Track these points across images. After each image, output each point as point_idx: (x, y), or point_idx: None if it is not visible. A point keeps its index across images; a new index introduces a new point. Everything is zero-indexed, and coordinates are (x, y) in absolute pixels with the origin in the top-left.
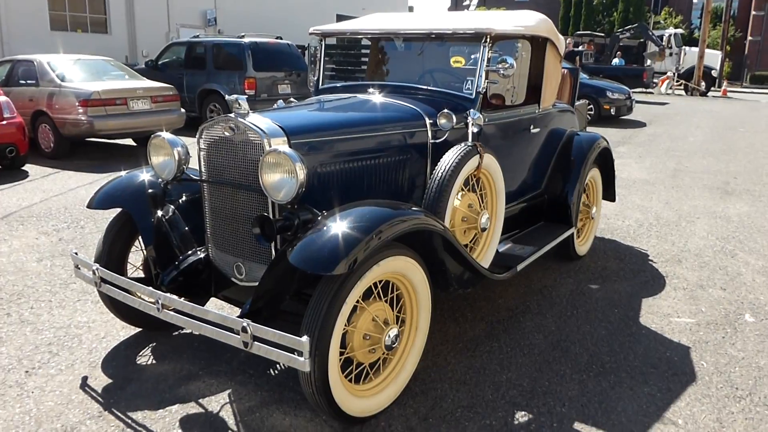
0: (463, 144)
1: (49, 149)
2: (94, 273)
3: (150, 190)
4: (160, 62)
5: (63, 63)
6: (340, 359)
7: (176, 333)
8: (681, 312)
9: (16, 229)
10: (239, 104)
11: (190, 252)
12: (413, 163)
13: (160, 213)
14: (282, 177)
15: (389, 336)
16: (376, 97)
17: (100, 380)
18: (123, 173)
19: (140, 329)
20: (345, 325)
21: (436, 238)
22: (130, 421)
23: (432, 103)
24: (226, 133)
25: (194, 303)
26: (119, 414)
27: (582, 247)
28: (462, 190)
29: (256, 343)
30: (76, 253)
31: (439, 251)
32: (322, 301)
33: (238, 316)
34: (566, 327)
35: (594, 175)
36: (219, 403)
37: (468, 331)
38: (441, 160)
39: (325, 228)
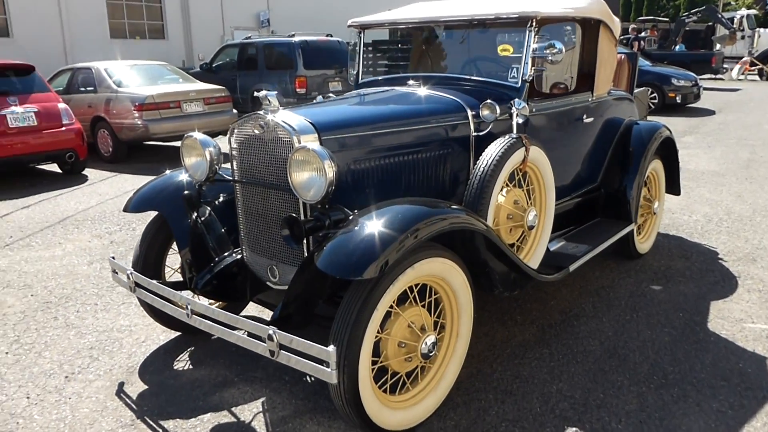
0: (507, 136)
1: (107, 153)
2: (128, 278)
3: (185, 192)
4: (214, 65)
5: (119, 69)
6: (373, 369)
7: (215, 337)
8: (756, 317)
9: (72, 232)
10: (269, 101)
11: (225, 254)
12: (455, 157)
13: (195, 215)
14: (311, 175)
15: (426, 344)
16: (416, 90)
17: (136, 386)
18: (166, 173)
19: (179, 333)
20: (377, 333)
21: (478, 237)
22: (160, 430)
23: (475, 94)
24: (256, 131)
25: (230, 307)
26: (151, 422)
27: (643, 244)
28: (507, 185)
29: (282, 352)
30: (113, 258)
31: (482, 251)
32: (352, 308)
33: (267, 323)
34: (624, 332)
35: (656, 168)
36: (252, 412)
37: (516, 336)
38: (483, 154)
39: (354, 229)
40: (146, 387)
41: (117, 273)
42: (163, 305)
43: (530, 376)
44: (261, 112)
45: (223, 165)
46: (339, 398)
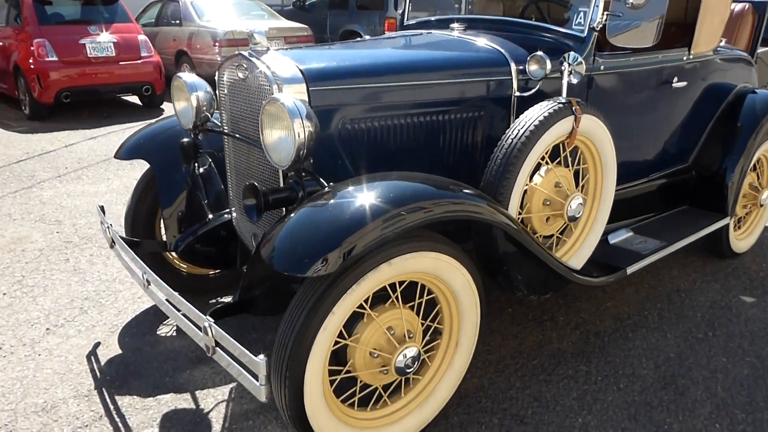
0: (551, 100)
1: None
2: (106, 231)
3: (183, 140)
4: (307, 3)
5: (205, 2)
6: (335, 380)
7: (213, 301)
8: None
9: (124, 168)
10: (256, 39)
11: (212, 216)
12: (490, 123)
13: (192, 166)
14: (280, 135)
15: (404, 356)
16: (454, 35)
17: (110, 349)
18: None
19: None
20: (341, 339)
21: (494, 228)
22: (112, 407)
23: (528, 44)
24: (240, 75)
25: (218, 276)
26: (106, 396)
27: (741, 242)
28: (547, 163)
29: (219, 350)
30: (101, 207)
31: (500, 245)
32: (299, 310)
33: (217, 309)
34: (691, 356)
35: None
36: (216, 399)
37: (552, 342)
38: (516, 121)
39: (312, 209)
40: (120, 352)
41: (103, 224)
42: (131, 268)
43: (553, 400)
44: (245, 52)
45: (217, 111)
46: (283, 414)
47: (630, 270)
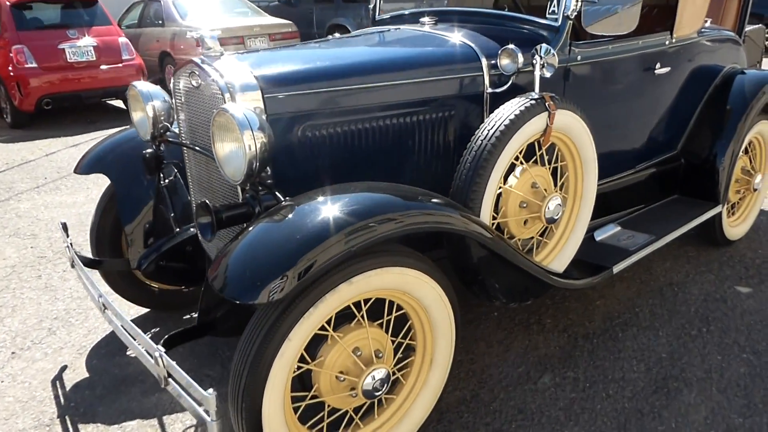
0: (523, 96)
1: None
2: (68, 250)
3: (146, 151)
4: None
5: (188, 2)
6: (299, 407)
7: (187, 317)
8: None
9: (104, 177)
10: (208, 44)
11: (179, 230)
12: (463, 121)
13: (158, 179)
14: (232, 147)
15: (372, 378)
16: (422, 29)
17: (77, 372)
18: (127, 128)
19: (149, 309)
20: (301, 365)
21: (467, 237)
22: None
23: (502, 36)
24: (194, 83)
25: (192, 290)
26: (69, 426)
27: (735, 228)
28: (521, 163)
29: (171, 381)
30: (64, 223)
31: (472, 254)
32: (253, 338)
33: (172, 336)
34: (684, 355)
35: (762, 131)
36: (183, 424)
37: (538, 347)
38: (485, 120)
39: (261, 228)
40: (87, 375)
41: (65, 242)
42: (87, 291)
43: (539, 411)
44: (197, 59)
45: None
46: None
47: (617, 269)
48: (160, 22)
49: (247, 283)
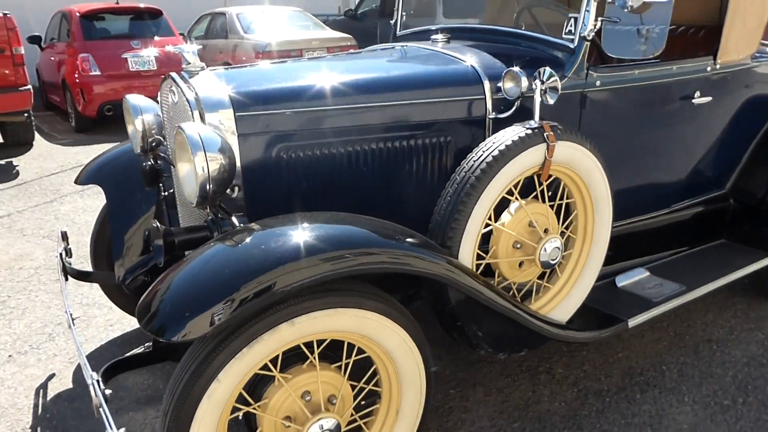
0: (519, 125)
1: None
2: (60, 257)
3: (146, 164)
4: (358, 12)
5: (251, 15)
6: None
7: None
8: None
9: None
10: (186, 59)
11: None
12: (461, 149)
13: (151, 192)
14: (187, 168)
15: (320, 428)
16: (432, 48)
17: (63, 382)
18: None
19: None
20: (239, 406)
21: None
22: None
23: (513, 57)
24: (171, 98)
25: None
26: None
27: None
28: (516, 199)
29: (101, 411)
30: (63, 233)
31: (451, 297)
32: (181, 376)
33: (119, 361)
34: (710, 430)
35: None
36: None
37: (542, 401)
38: (474, 150)
39: (198, 257)
40: (71, 386)
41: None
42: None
43: None
44: (174, 73)
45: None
46: None
47: (633, 322)
48: (225, 34)
49: (167, 318)
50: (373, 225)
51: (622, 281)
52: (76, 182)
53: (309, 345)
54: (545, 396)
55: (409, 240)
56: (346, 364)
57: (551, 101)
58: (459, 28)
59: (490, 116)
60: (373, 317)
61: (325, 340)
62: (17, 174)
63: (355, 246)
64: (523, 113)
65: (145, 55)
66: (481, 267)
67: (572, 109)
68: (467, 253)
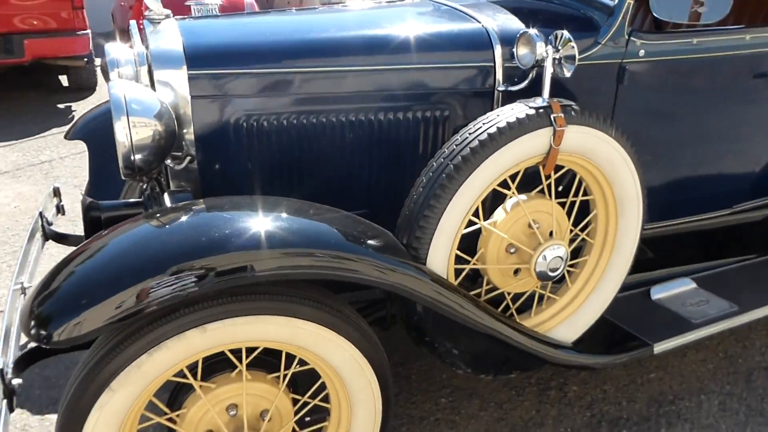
0: (520, 102)
1: None
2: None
3: None
4: None
5: None
6: None
7: None
8: None
9: None
10: (149, 6)
11: None
12: (461, 127)
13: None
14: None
15: None
16: (442, 2)
17: None
18: None
19: None
20: (149, 415)
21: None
22: None
23: (539, 16)
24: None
25: None
26: None
27: None
28: (514, 194)
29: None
30: (56, 188)
31: (416, 306)
32: (73, 383)
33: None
34: None
35: None
36: None
37: (544, 424)
38: (462, 130)
39: (97, 243)
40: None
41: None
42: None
43: None
44: (133, 23)
45: None
46: None
47: (659, 348)
48: None
49: (40, 319)
50: (325, 218)
51: (659, 293)
52: (66, 138)
53: (239, 351)
54: (550, 418)
55: (366, 239)
56: (285, 375)
57: (567, 74)
58: None
59: (500, 88)
60: (309, 328)
61: (257, 348)
62: (71, 119)
63: (291, 244)
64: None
65: (210, 3)
66: (464, 273)
67: (606, 85)
68: (440, 256)
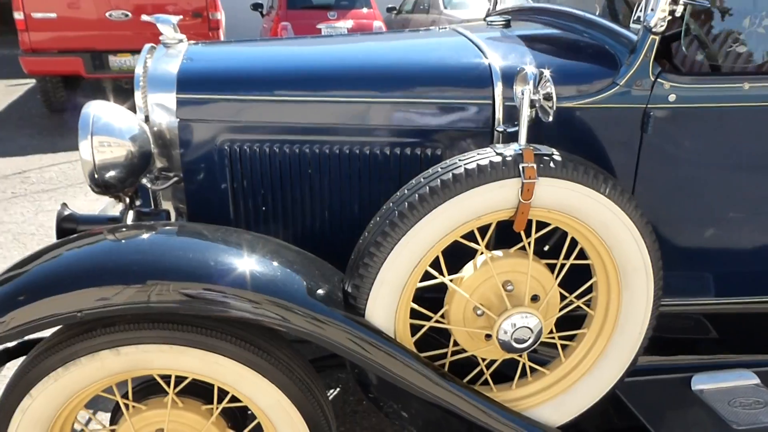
0: (491, 148)
1: None
2: None
3: None
4: None
5: None
6: None
7: None
8: None
9: None
10: (162, 30)
11: None
12: None
13: None
14: None
15: None
16: (461, 33)
17: None
18: None
19: None
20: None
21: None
22: None
23: (565, 50)
24: None
25: None
26: None
27: None
28: (485, 250)
29: None
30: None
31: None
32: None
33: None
34: None
35: None
36: None
37: None
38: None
39: (41, 252)
40: None
41: None
42: None
43: None
44: (149, 45)
45: None
46: None
47: None
48: (427, 8)
49: None
50: (265, 256)
51: (704, 383)
52: None
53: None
54: None
55: (301, 281)
56: (219, 408)
57: (549, 118)
58: (545, 8)
59: (499, 128)
60: (229, 365)
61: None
62: None
63: (212, 280)
64: (544, 127)
65: (338, 26)
66: (422, 331)
67: (626, 134)
68: (382, 308)
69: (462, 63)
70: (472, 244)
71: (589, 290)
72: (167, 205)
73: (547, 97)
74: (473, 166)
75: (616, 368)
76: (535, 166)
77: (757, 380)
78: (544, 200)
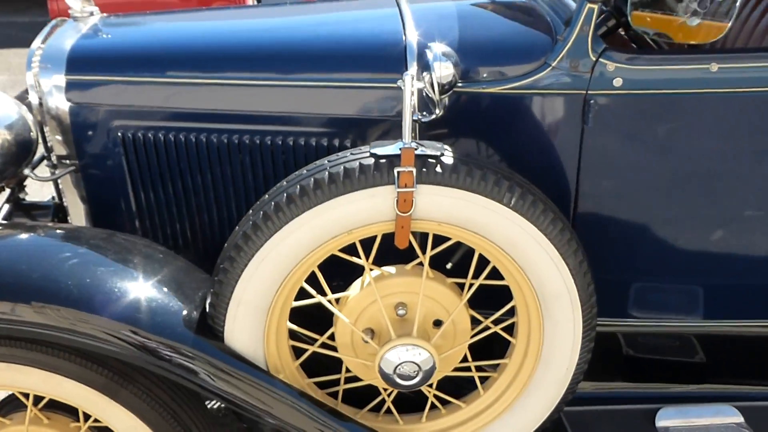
0: (370, 146)
1: None
2: None
3: None
4: None
5: None
6: None
7: None
8: None
9: None
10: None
11: None
12: None
13: None
14: None
15: None
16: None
17: None
18: None
19: None
20: None
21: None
22: None
23: (503, 23)
24: None
25: None
26: None
27: None
28: (371, 268)
29: None
30: None
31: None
32: None
33: None
34: None
35: None
36: None
37: None
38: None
39: None
40: None
41: None
42: None
43: None
44: (57, 20)
45: None
46: None
47: None
48: None
49: None
50: (136, 268)
51: (670, 419)
52: None
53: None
54: None
55: (163, 301)
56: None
57: (438, 113)
58: None
59: (412, 117)
60: (73, 388)
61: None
62: None
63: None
64: (465, 117)
65: None
66: (305, 356)
67: (566, 127)
68: (244, 331)
69: (375, 40)
70: (355, 260)
71: (512, 313)
72: (72, 195)
73: (444, 75)
74: (338, 170)
75: (538, 408)
76: (413, 171)
77: (739, 417)
78: (430, 212)
